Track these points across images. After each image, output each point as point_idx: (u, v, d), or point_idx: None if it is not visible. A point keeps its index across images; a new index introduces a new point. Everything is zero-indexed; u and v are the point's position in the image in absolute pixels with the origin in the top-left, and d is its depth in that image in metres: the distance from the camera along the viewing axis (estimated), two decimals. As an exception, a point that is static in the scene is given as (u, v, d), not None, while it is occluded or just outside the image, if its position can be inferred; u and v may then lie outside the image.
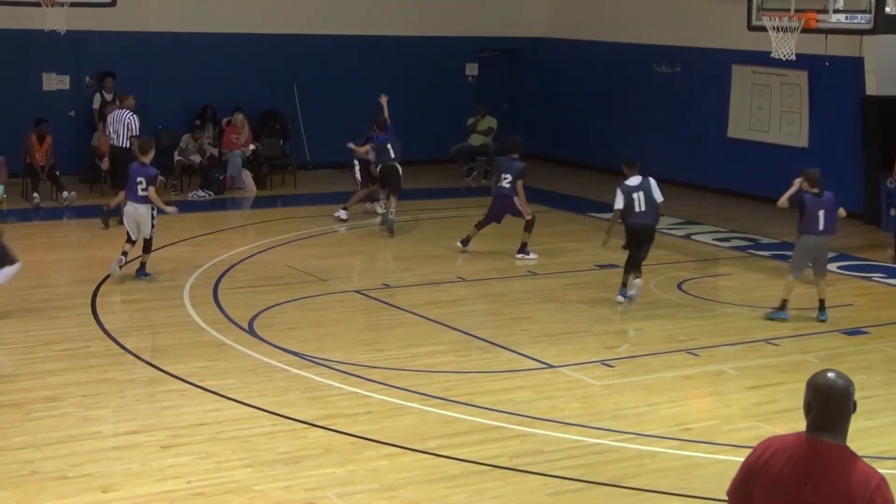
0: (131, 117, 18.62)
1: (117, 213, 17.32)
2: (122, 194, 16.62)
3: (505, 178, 16.72)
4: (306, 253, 17.05)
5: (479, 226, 17.07)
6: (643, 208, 14.33)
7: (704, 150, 22.97)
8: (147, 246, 15.16)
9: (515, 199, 16.75)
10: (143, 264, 15.16)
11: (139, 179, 14.83)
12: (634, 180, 14.56)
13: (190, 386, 10.90)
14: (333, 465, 9.09)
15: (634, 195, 14.40)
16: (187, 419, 10.01)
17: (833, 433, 4.79)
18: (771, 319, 13.83)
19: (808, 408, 4.84)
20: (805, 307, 14.81)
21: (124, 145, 18.28)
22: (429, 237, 18.56)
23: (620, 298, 14.48)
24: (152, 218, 15.02)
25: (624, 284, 14.56)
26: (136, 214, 14.87)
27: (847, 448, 4.81)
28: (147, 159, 15.05)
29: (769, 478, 4.82)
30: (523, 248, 16.87)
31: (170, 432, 9.68)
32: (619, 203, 14.47)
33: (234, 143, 22.14)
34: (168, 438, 9.55)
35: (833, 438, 4.79)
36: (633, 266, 14.49)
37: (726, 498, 5.08)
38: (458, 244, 17.07)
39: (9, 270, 13.24)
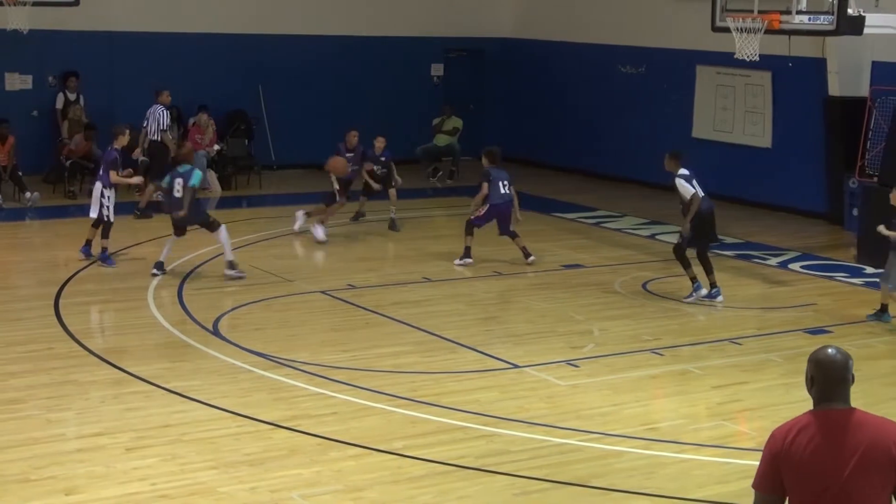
0: (161, 111, 19.58)
1: (150, 210, 18.39)
2: (150, 187, 17.65)
3: (505, 186, 16.40)
4: (271, 253, 17.01)
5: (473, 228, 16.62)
6: (703, 194, 14.67)
7: (669, 150, 23.03)
8: (104, 230, 15.80)
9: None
10: (103, 249, 15.80)
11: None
12: (685, 171, 14.76)
13: (154, 387, 10.85)
14: (299, 467, 9.07)
15: (695, 181, 14.66)
16: (152, 421, 9.97)
17: (839, 401, 5.07)
18: (877, 321, 13.91)
19: (812, 381, 5.13)
20: (767, 306, 14.90)
21: (157, 138, 19.63)
22: (395, 237, 18.56)
23: (719, 298, 14.63)
24: (101, 198, 15.70)
25: (714, 285, 14.68)
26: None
27: (856, 409, 5.09)
28: (117, 144, 16.01)
29: (798, 460, 5.02)
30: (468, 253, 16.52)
31: (134, 434, 9.63)
32: (692, 189, 14.62)
33: (198, 144, 22.02)
34: (132, 440, 9.50)
35: (841, 405, 5.07)
36: (708, 259, 14.77)
37: (753, 491, 5.16)
38: (463, 261, 16.48)
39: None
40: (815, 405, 5.11)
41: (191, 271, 15.59)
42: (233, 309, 13.75)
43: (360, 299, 14.45)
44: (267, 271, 15.74)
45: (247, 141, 23.51)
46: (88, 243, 16.02)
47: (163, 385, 10.88)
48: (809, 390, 5.14)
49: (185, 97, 22.77)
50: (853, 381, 5.12)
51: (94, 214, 15.76)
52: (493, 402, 10.70)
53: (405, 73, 25.61)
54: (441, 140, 24.01)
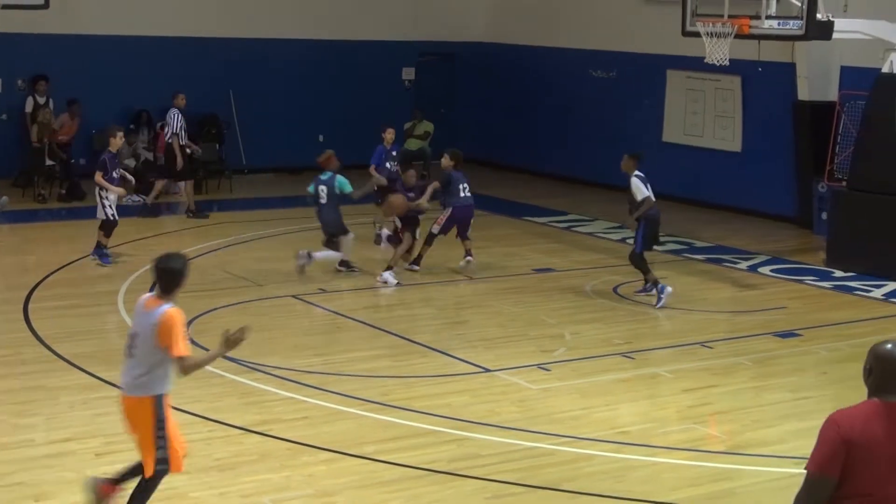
0: (174, 114, 19.71)
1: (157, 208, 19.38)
2: (159, 184, 18.62)
3: (465, 189, 16.24)
4: (242, 258, 16.96)
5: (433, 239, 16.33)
6: (654, 199, 14.84)
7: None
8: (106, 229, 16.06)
9: None
10: (101, 245, 16.10)
11: None
12: (640, 173, 14.86)
13: (124, 392, 10.79)
14: (270, 471, 9.05)
15: (649, 185, 14.77)
16: (121, 426, 9.89)
17: (894, 394, 5.31)
18: None
19: (869, 372, 5.38)
20: (738, 310, 14.97)
21: (170, 141, 19.79)
22: (365, 241, 18.51)
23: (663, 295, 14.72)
24: (101, 199, 15.87)
25: (656, 283, 14.83)
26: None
27: None
28: (111, 147, 16.12)
29: (873, 447, 5.22)
30: (419, 260, 16.30)
31: (104, 439, 9.58)
32: (646, 191, 14.72)
33: (169, 147, 21.95)
34: (102, 446, 9.45)
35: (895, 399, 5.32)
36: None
37: (807, 472, 5.31)
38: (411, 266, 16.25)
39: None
40: (871, 395, 5.35)
41: (161, 276, 15.51)
42: (203, 313, 13.70)
43: (331, 303, 14.43)
44: (238, 275, 15.70)
45: (218, 145, 23.45)
46: (103, 247, 16.08)
47: (133, 390, 10.82)
48: (866, 381, 5.39)
49: (155, 101, 22.69)
50: None
51: (100, 216, 15.95)
52: (465, 406, 10.70)
53: (376, 77, 25.60)
54: (412, 144, 24.01)
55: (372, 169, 17.96)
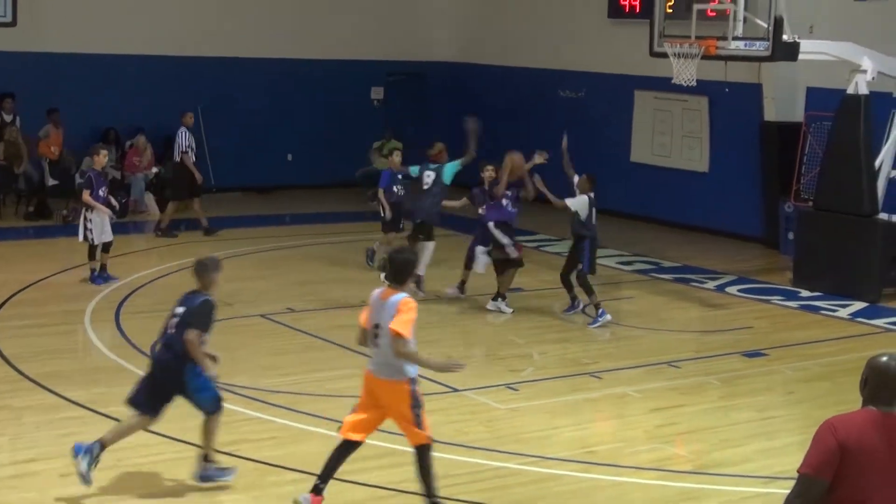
0: (183, 133, 19.74)
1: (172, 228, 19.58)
2: (171, 206, 18.82)
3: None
4: (210, 277, 16.86)
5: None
6: (594, 224, 15.02)
7: (608, 174, 23.13)
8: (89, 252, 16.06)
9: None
10: (91, 270, 16.07)
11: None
12: (592, 195, 15.10)
13: (90, 412, 10.73)
14: (237, 492, 9.00)
15: (594, 210, 14.91)
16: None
17: (889, 405, 5.45)
18: None
19: (865, 383, 5.52)
20: (705, 330, 15.02)
21: (178, 160, 19.87)
22: (334, 261, 18.50)
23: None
24: (84, 220, 15.79)
25: (598, 305, 14.81)
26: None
27: None
28: (96, 165, 16.10)
29: (864, 453, 5.31)
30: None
31: (69, 460, 9.47)
32: (583, 210, 15.01)
33: (136, 166, 21.91)
34: (67, 466, 9.35)
35: (889, 409, 5.44)
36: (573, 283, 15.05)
37: (800, 474, 5.38)
38: (452, 290, 16.10)
39: None
40: (864, 404, 5.48)
41: (128, 295, 15.46)
42: (171, 333, 13.62)
43: (299, 323, 14.39)
44: (205, 295, 15.62)
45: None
46: (93, 271, 15.95)
47: (99, 410, 10.76)
48: (861, 391, 5.53)
49: (123, 119, 22.64)
50: None
51: (80, 238, 15.80)
52: (433, 426, 10.60)
53: (345, 96, 25.61)
54: (381, 164, 23.98)
55: (381, 193, 17.50)
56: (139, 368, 12.04)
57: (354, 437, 8.53)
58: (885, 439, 5.34)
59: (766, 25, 15.71)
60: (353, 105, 25.74)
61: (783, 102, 20.42)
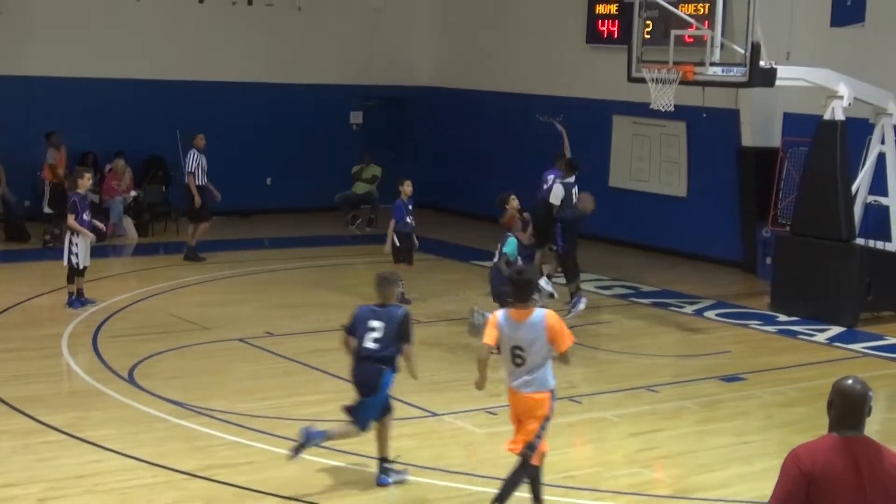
0: (192, 155, 19.68)
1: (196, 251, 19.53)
2: (191, 228, 18.91)
3: None
4: (189, 301, 16.86)
5: None
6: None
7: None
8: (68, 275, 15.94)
9: None
10: (69, 293, 15.94)
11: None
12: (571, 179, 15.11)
13: (67, 437, 10.68)
14: (215, 517, 8.96)
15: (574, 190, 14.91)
16: (64, 471, 9.80)
17: (854, 429, 5.48)
18: None
19: (830, 405, 5.54)
20: (683, 354, 15.05)
21: (185, 181, 19.76)
22: (313, 285, 18.49)
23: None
24: (69, 244, 15.70)
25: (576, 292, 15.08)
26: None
27: (870, 437, 5.54)
28: (80, 189, 15.98)
29: (831, 480, 5.35)
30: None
31: (46, 485, 9.46)
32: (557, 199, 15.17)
33: (115, 190, 21.86)
34: (44, 491, 9.33)
35: (856, 433, 5.48)
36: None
37: None
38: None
39: None
40: (831, 429, 5.51)
41: (106, 318, 15.40)
42: (149, 357, 13.59)
43: (278, 347, 14.36)
44: (184, 319, 15.59)
45: (164, 187, 23.36)
46: (70, 294, 15.87)
47: (76, 434, 10.71)
48: (828, 413, 5.54)
49: (102, 143, 22.59)
50: (870, 413, 5.54)
51: (65, 262, 15.71)
52: (412, 451, 10.66)
53: (324, 120, 25.64)
54: (360, 188, 24.00)
55: (392, 225, 17.13)
56: (117, 392, 12.05)
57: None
58: (850, 464, 5.38)
59: (743, 51, 15.81)
60: (332, 130, 25.77)
61: (760, 128, 20.53)
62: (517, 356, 8.72)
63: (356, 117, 26.50)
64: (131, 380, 12.60)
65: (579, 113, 23.66)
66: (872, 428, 11.16)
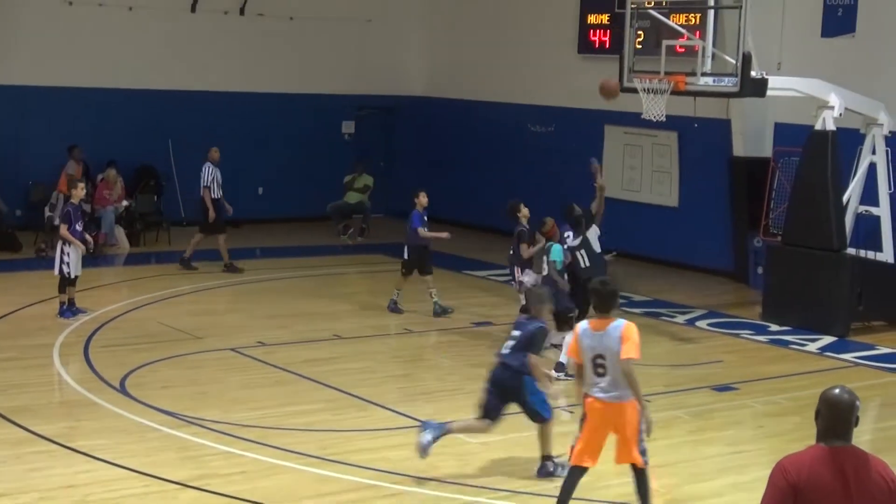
0: (206, 168, 19.71)
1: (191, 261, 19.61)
2: (196, 237, 19.07)
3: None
4: (180, 310, 16.84)
5: None
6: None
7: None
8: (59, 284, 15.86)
9: (516, 269, 15.53)
10: (60, 303, 15.88)
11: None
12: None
13: (58, 447, 10.66)
14: (207, 527, 8.95)
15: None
16: (55, 481, 9.78)
17: (842, 439, 5.50)
18: None
19: (818, 415, 5.57)
20: (675, 363, 15.05)
21: (201, 195, 19.75)
22: (305, 295, 18.48)
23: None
24: (61, 254, 15.62)
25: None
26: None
27: (857, 447, 5.55)
28: (73, 199, 15.93)
29: (817, 491, 5.38)
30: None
31: (37, 495, 9.44)
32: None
33: (106, 199, 21.83)
34: (35, 501, 9.32)
35: (843, 443, 5.50)
36: None
37: None
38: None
39: None
40: (818, 438, 5.53)
41: (98, 328, 15.38)
42: (140, 367, 13.57)
43: (270, 357, 14.35)
44: (176, 328, 15.58)
45: (156, 197, 23.35)
46: (62, 304, 15.84)
47: (67, 444, 10.69)
48: (815, 423, 5.57)
49: (93, 152, 22.56)
50: (857, 423, 5.54)
51: (56, 272, 15.63)
52: (404, 461, 10.65)
53: (316, 130, 25.64)
54: (352, 197, 24.02)
55: (422, 231, 17.01)
56: (108, 402, 12.03)
57: (586, 463, 9.08)
58: (837, 475, 5.40)
59: (734, 62, 15.85)
60: (324, 139, 25.78)
61: (752, 138, 20.56)
62: (599, 365, 8.87)
63: (348, 127, 26.52)
64: (123, 390, 12.58)
65: (571, 123, 23.72)
66: (863, 438, 11.21)
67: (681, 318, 17.73)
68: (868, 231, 17.90)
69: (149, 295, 17.60)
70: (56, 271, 15.68)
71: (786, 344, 16.26)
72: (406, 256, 17.10)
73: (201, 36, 24.27)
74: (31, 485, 9.68)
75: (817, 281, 17.02)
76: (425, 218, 17.19)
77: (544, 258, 14.38)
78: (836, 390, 5.55)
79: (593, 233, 14.99)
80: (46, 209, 21.19)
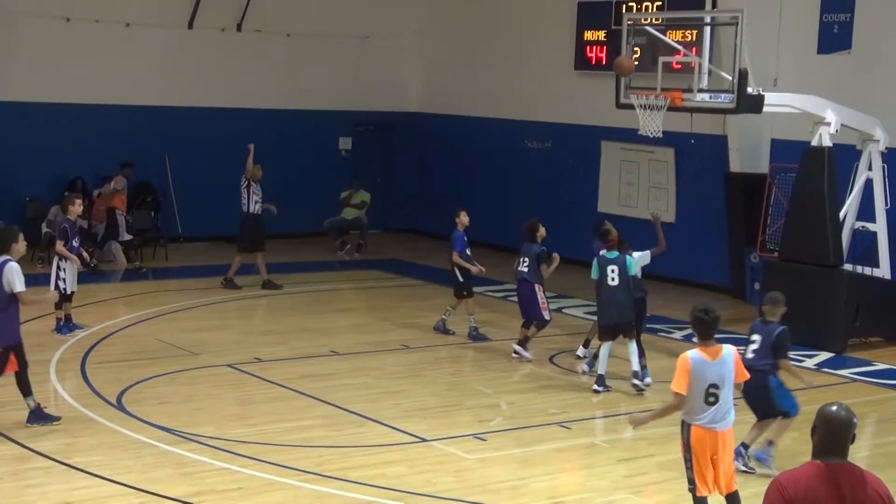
0: (251, 187, 19.82)
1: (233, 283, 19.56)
2: (238, 258, 19.13)
3: (522, 262, 15.76)
4: (177, 326, 16.83)
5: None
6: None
7: (575, 224, 23.34)
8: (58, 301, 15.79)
9: (537, 287, 15.57)
10: (57, 319, 15.91)
11: None
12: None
13: (55, 463, 10.64)
14: (203, 543, 8.93)
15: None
16: (53, 498, 9.76)
17: (839, 455, 5.51)
18: None
19: (814, 431, 5.59)
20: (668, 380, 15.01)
21: (246, 210, 19.95)
22: (302, 311, 18.48)
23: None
24: (58, 270, 15.58)
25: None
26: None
27: (854, 463, 5.58)
28: (70, 215, 15.90)
29: None
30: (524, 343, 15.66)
31: (35, 511, 9.43)
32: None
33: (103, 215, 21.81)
34: (32, 518, 9.30)
35: (840, 459, 5.51)
36: None
37: None
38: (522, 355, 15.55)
39: None
40: (814, 454, 5.50)
41: (94, 344, 15.37)
42: (137, 383, 13.56)
43: (267, 373, 14.34)
44: (172, 344, 15.57)
45: (153, 212, 23.35)
46: (58, 320, 15.84)
47: (64, 461, 10.68)
48: (812, 439, 5.60)
49: (90, 168, 22.57)
50: (854, 440, 5.58)
51: (52, 288, 15.47)
52: (401, 477, 10.64)
53: (313, 146, 25.67)
54: (349, 213, 24.04)
55: (455, 256, 16.75)
56: (105, 418, 12.02)
57: (713, 491, 9.00)
58: (834, 492, 5.41)
59: (730, 78, 15.89)
60: (321, 155, 25.80)
61: (748, 154, 20.60)
62: (711, 394, 8.84)
63: (345, 143, 26.55)
64: (120, 406, 12.57)
65: (568, 139, 23.76)
66: (861, 454, 11.21)
67: (678, 334, 17.73)
68: (865, 247, 17.92)
69: (145, 311, 17.60)
70: (52, 287, 15.66)
71: (783, 360, 16.23)
72: (461, 279, 16.81)
73: (198, 52, 24.31)
74: (28, 501, 9.67)
75: (814, 297, 17.02)
76: (465, 238, 16.92)
77: (615, 269, 14.23)
78: (834, 407, 5.55)
79: (640, 258, 15.13)
80: (43, 225, 21.18)
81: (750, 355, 10.86)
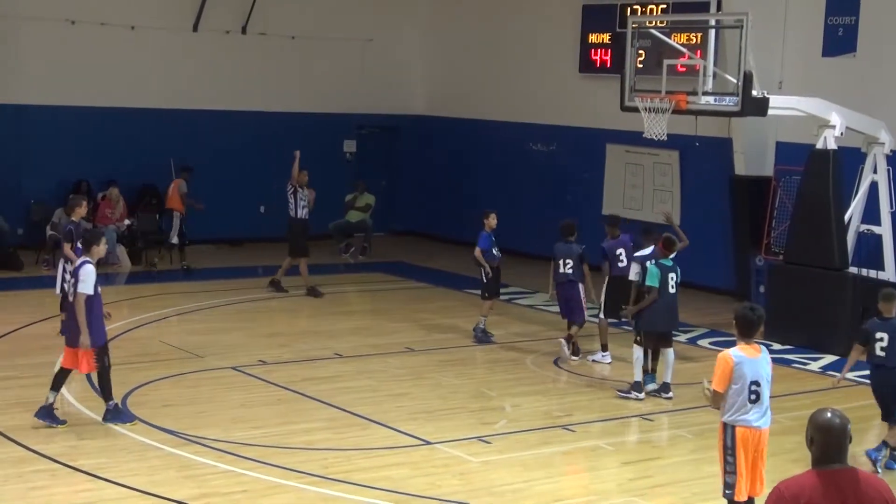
0: (298, 193, 19.81)
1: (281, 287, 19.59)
2: (287, 261, 19.03)
3: (565, 265, 15.70)
4: (181, 329, 16.84)
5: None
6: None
7: (580, 226, 23.32)
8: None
9: (581, 287, 15.66)
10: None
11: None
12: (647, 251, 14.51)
13: (60, 466, 10.65)
14: (208, 546, 8.93)
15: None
16: (58, 500, 9.77)
17: (839, 462, 5.47)
18: None
19: (811, 441, 5.54)
20: (677, 383, 15.03)
21: (294, 215, 19.92)
22: (306, 313, 18.48)
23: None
24: (63, 272, 15.29)
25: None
26: None
27: (854, 467, 5.55)
28: (74, 216, 15.58)
29: None
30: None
31: (38, 514, 9.43)
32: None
33: (108, 218, 21.86)
34: (36, 520, 9.30)
35: (840, 465, 5.48)
36: None
37: None
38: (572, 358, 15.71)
39: None
40: (814, 464, 5.46)
41: (99, 347, 15.35)
42: (142, 385, 13.56)
43: (271, 375, 14.34)
44: (177, 347, 15.57)
45: (157, 216, 23.35)
46: (63, 323, 15.71)
47: (69, 463, 10.68)
48: (809, 448, 5.56)
49: (95, 172, 22.59)
50: (850, 441, 5.54)
51: (57, 290, 15.26)
52: (405, 479, 10.64)
53: (318, 149, 25.60)
54: (353, 216, 24.05)
55: (478, 252, 16.67)
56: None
57: (753, 493, 9.02)
58: (836, 497, 5.39)
59: (735, 81, 15.88)
60: (325, 158, 25.76)
61: (753, 157, 20.57)
62: (754, 392, 8.82)
63: (350, 146, 26.55)
64: (124, 408, 12.56)
65: (572, 142, 23.75)
66: (865, 458, 11.18)
67: (683, 337, 17.69)
68: (870, 250, 17.89)
69: (150, 314, 17.60)
70: (57, 290, 15.64)
71: (788, 363, 16.24)
72: (484, 279, 16.78)
73: (203, 55, 24.33)
74: (32, 503, 9.67)
75: (819, 300, 17.01)
76: (493, 238, 16.83)
77: (674, 276, 14.10)
78: (828, 414, 5.50)
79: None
80: (48, 228, 21.21)
81: (880, 353, 11.09)
